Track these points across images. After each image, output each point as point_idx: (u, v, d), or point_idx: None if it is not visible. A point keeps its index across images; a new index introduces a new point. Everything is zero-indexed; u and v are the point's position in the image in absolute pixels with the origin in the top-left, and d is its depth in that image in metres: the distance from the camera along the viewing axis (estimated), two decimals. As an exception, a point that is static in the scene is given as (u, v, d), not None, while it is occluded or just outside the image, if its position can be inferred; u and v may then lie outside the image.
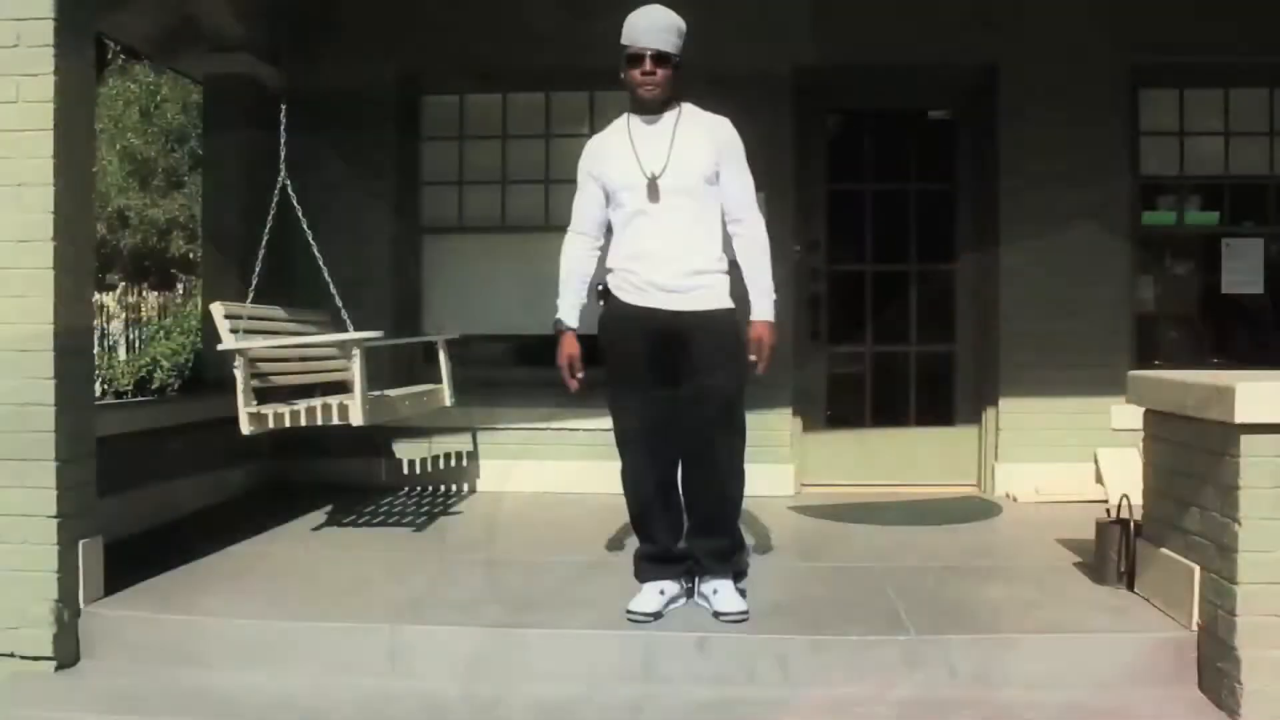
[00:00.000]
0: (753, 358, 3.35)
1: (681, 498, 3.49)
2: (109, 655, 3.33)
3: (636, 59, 3.31)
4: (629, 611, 3.30)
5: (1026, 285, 5.57)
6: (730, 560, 3.48)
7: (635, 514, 3.50)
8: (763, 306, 3.40)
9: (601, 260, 3.55)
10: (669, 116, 3.38)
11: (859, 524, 4.86)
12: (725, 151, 3.38)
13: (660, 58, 3.30)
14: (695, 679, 3.13)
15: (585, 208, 3.51)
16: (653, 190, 3.30)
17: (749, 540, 4.00)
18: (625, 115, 3.46)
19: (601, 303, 3.49)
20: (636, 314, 3.36)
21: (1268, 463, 2.85)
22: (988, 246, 5.74)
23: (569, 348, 3.49)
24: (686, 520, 3.50)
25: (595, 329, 3.52)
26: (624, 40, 3.35)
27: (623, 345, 3.39)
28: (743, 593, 3.44)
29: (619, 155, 3.38)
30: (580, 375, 3.47)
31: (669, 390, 3.36)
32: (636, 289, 3.35)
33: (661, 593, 3.38)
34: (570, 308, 3.54)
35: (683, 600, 3.46)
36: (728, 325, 3.36)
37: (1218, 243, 5.84)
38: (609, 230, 3.51)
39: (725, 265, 3.40)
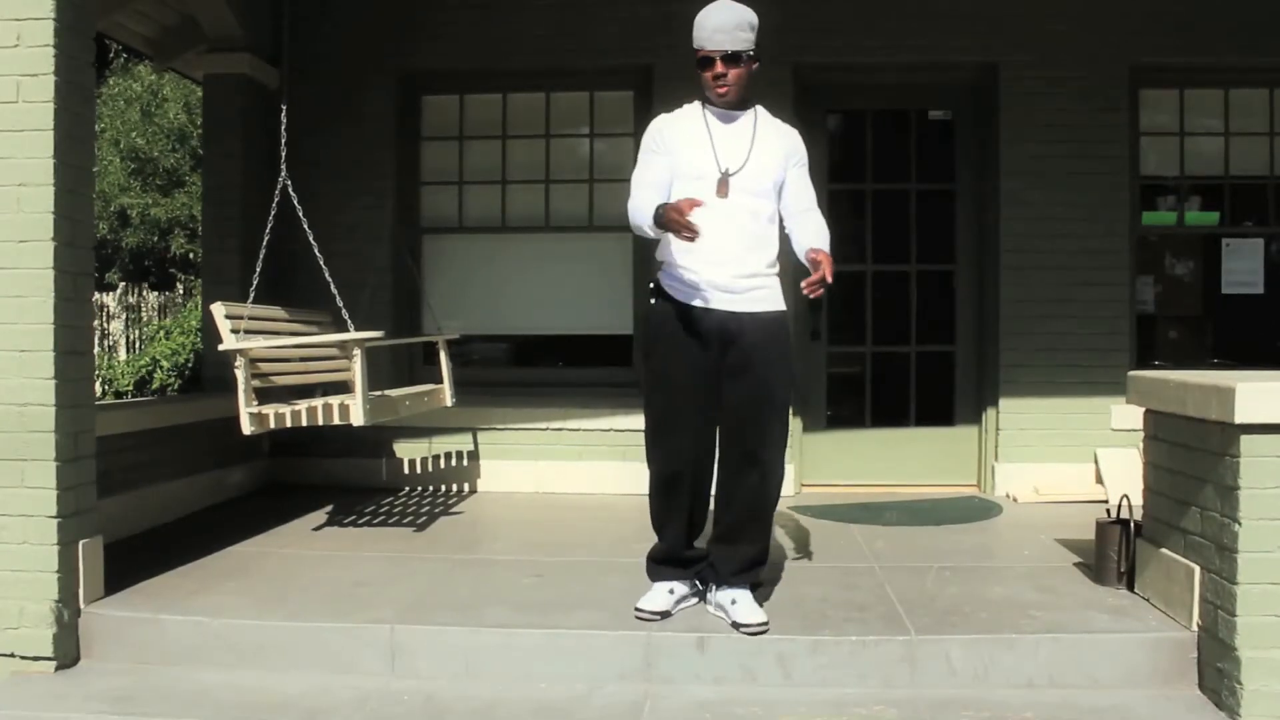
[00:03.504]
0: (812, 270, 3.19)
1: (710, 502, 3.43)
2: (109, 655, 3.33)
3: (707, 62, 3.25)
4: (637, 609, 3.29)
5: (1026, 285, 5.58)
6: (753, 570, 3.40)
7: (659, 513, 3.42)
8: (822, 242, 3.33)
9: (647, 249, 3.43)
10: (747, 116, 3.35)
11: (859, 524, 4.87)
12: (794, 159, 3.39)
13: (731, 58, 3.24)
14: (695, 679, 3.13)
15: (650, 174, 3.32)
16: (723, 185, 3.25)
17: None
18: (698, 104, 3.37)
19: (653, 300, 3.39)
20: (691, 314, 3.28)
21: (1268, 463, 2.85)
22: (988, 246, 5.75)
23: (675, 207, 3.10)
24: (713, 525, 3.44)
25: (630, 326, 3.42)
26: (695, 42, 3.29)
27: (670, 343, 3.30)
28: (759, 605, 3.36)
29: (694, 142, 3.29)
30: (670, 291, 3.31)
31: (711, 391, 3.31)
32: (692, 288, 3.27)
33: (671, 592, 3.38)
34: (654, 204, 3.24)
35: (693, 601, 3.45)
36: (782, 327, 3.34)
37: (1218, 243, 5.85)
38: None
39: (778, 269, 3.38)
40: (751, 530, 3.36)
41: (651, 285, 3.41)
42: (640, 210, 3.26)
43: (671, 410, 3.31)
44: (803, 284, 3.16)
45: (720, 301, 3.27)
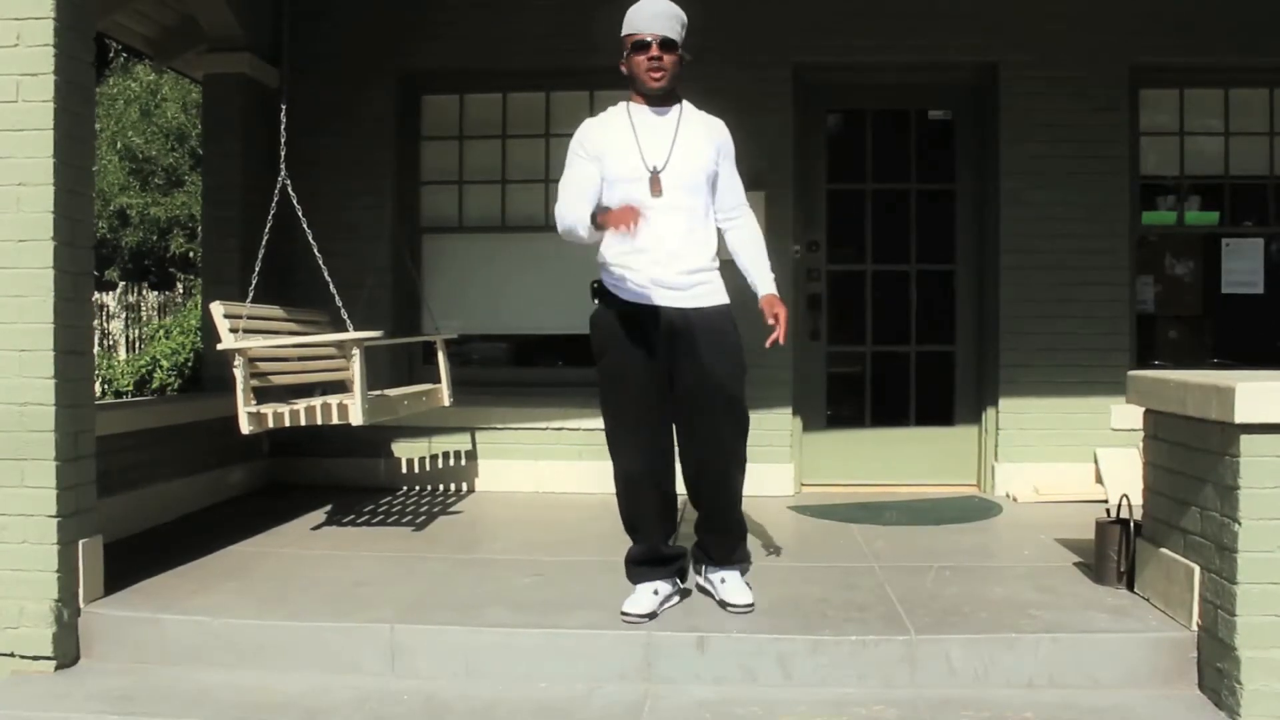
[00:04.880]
0: (770, 322, 3.36)
1: (677, 496, 3.50)
2: (109, 655, 3.33)
3: (642, 45, 3.28)
4: (624, 613, 3.29)
5: (1026, 285, 5.58)
6: (739, 550, 3.53)
7: (629, 514, 3.48)
8: (767, 283, 3.44)
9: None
10: (673, 111, 3.37)
11: (859, 524, 4.86)
12: (723, 151, 3.42)
13: (666, 44, 3.28)
14: (695, 679, 3.13)
15: (581, 182, 3.34)
16: (655, 184, 3.27)
17: (750, 539, 4.00)
18: (623, 104, 3.41)
19: (596, 301, 3.42)
20: (637, 313, 3.31)
21: (1268, 463, 2.85)
22: (988, 246, 5.75)
23: (620, 210, 3.15)
24: (694, 515, 3.53)
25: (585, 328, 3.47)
26: (627, 30, 3.32)
27: (620, 344, 3.33)
28: (748, 586, 3.48)
29: (620, 144, 3.32)
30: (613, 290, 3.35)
31: (663, 388, 3.35)
32: (638, 286, 3.30)
33: (655, 593, 3.38)
34: (588, 208, 3.29)
35: (676, 599, 3.47)
36: (728, 321, 3.37)
37: (1218, 242, 5.85)
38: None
39: (718, 263, 3.41)
40: (721, 518, 3.47)
41: (595, 285, 3.43)
42: (571, 214, 3.28)
43: (626, 410, 3.36)
44: (766, 343, 3.33)
45: (665, 299, 3.30)
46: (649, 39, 3.27)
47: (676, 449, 3.47)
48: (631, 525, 3.49)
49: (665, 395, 3.36)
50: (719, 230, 3.47)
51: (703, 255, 3.35)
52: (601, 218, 3.19)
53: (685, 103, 3.42)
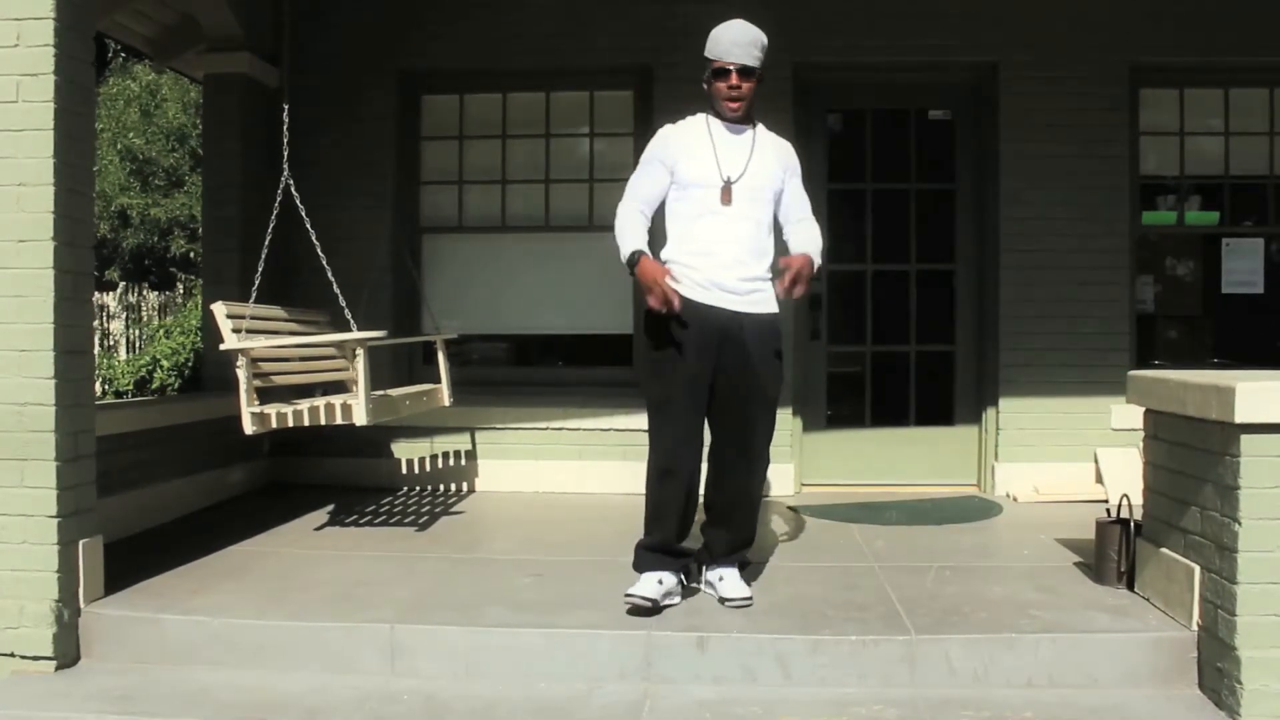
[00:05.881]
0: (781, 267, 3.41)
1: (698, 496, 3.54)
2: (109, 655, 3.33)
3: (723, 73, 3.43)
4: (627, 595, 3.32)
5: (1026, 285, 5.58)
6: (740, 550, 3.62)
7: (655, 503, 3.50)
8: (807, 249, 3.52)
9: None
10: (749, 129, 3.53)
11: (859, 524, 4.87)
12: (791, 169, 3.62)
13: (746, 72, 3.42)
14: (695, 679, 3.13)
15: (645, 187, 3.53)
16: (726, 193, 3.42)
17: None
18: (703, 115, 3.55)
19: None
20: (695, 309, 3.41)
21: (1268, 462, 2.86)
22: (988, 246, 5.75)
23: (653, 267, 3.35)
24: (704, 510, 3.62)
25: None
26: (710, 53, 3.46)
27: (675, 338, 3.42)
28: (746, 582, 3.55)
29: (698, 152, 3.46)
30: (675, 286, 3.39)
31: (707, 387, 3.44)
32: (699, 285, 3.42)
33: (660, 582, 3.41)
34: (638, 241, 3.43)
35: (677, 599, 3.48)
36: (777, 330, 3.54)
37: (1218, 243, 5.85)
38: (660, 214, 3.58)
39: (772, 275, 3.53)
40: (739, 516, 3.57)
41: None
42: (625, 232, 3.44)
43: (672, 402, 3.45)
44: (777, 287, 3.42)
45: (723, 300, 3.43)
46: (730, 67, 3.41)
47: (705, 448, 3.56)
48: (655, 515, 3.51)
49: (708, 395, 3.46)
50: (783, 235, 3.62)
51: (761, 265, 3.49)
52: (639, 272, 3.34)
53: (760, 125, 3.57)
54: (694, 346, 3.40)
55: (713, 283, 3.41)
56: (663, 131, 3.58)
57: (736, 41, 3.41)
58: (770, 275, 3.51)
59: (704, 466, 3.56)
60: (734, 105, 3.45)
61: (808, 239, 3.58)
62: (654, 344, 3.49)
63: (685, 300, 3.40)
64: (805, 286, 3.42)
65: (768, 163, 3.51)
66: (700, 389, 3.43)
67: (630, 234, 3.43)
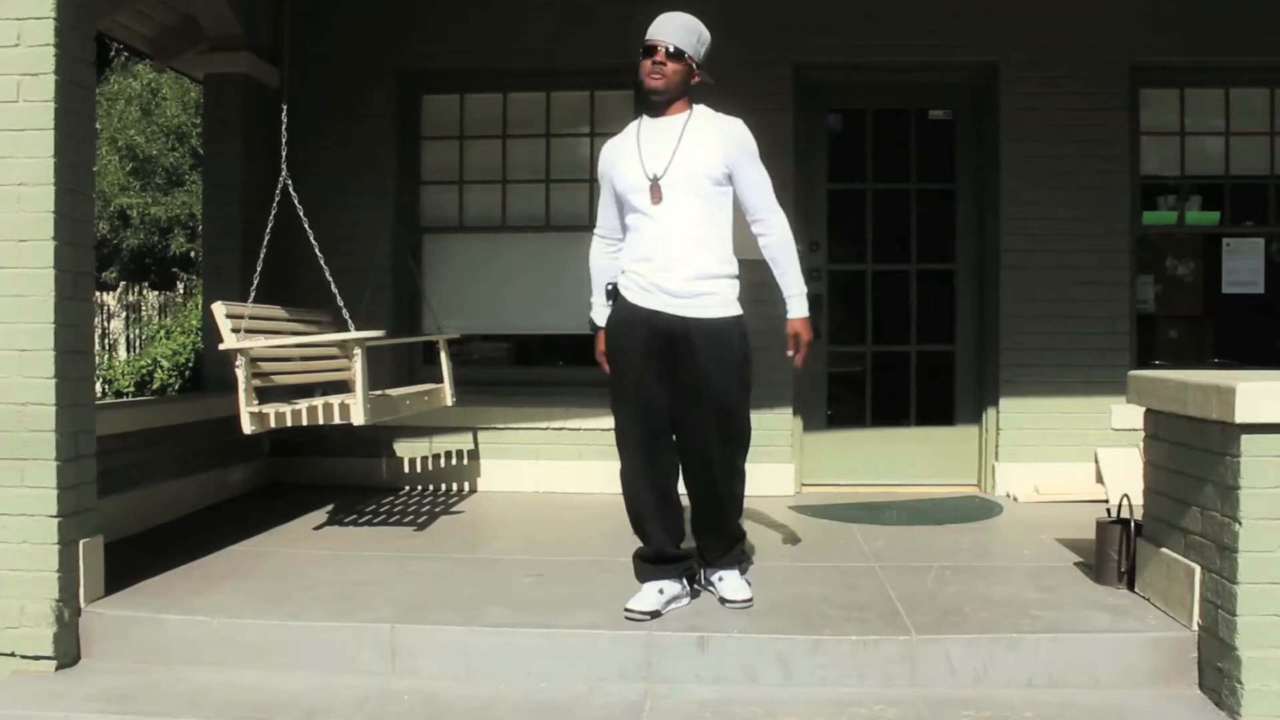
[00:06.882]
0: (790, 353, 3.48)
1: (683, 497, 3.53)
2: (109, 655, 3.33)
3: (650, 50, 3.33)
4: (626, 609, 3.30)
5: (1026, 285, 5.57)
6: (733, 551, 3.58)
7: (633, 514, 3.51)
8: (795, 305, 3.46)
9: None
10: (679, 118, 3.38)
11: (859, 524, 4.86)
12: (736, 152, 3.35)
13: (673, 53, 3.31)
14: (695, 679, 3.13)
15: (603, 213, 3.58)
16: (655, 192, 3.31)
17: (750, 539, 4.01)
18: (636, 120, 3.49)
19: (611, 302, 3.52)
20: (642, 315, 3.37)
21: (1268, 462, 2.85)
22: (988, 246, 5.75)
23: (601, 344, 3.55)
24: (690, 517, 3.57)
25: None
26: (645, 37, 3.39)
27: (626, 345, 3.40)
28: (747, 583, 3.54)
29: (625, 157, 3.41)
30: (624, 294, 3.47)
31: (669, 392, 3.39)
32: (643, 290, 3.36)
33: (660, 592, 3.39)
34: (599, 308, 3.61)
35: (685, 601, 3.47)
36: (731, 334, 3.36)
37: (1218, 243, 5.85)
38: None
39: (734, 269, 3.41)
40: (712, 518, 3.53)
41: (609, 287, 3.53)
42: (594, 276, 3.63)
43: (626, 409, 3.45)
44: (794, 359, 3.50)
45: (666, 305, 3.34)
46: (655, 45, 3.33)
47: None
48: (636, 525, 3.51)
49: (665, 401, 3.41)
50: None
51: (709, 260, 3.33)
52: (597, 335, 3.56)
53: (699, 107, 3.42)
54: (639, 353, 3.36)
55: (656, 286, 3.32)
56: (603, 149, 3.54)
57: (666, 21, 3.33)
58: (728, 272, 3.36)
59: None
60: (655, 79, 3.30)
61: (780, 258, 3.42)
62: (610, 352, 3.49)
63: (631, 306, 3.38)
64: (807, 346, 3.48)
65: (702, 147, 3.30)
66: (651, 396, 3.37)
67: (596, 289, 3.59)
